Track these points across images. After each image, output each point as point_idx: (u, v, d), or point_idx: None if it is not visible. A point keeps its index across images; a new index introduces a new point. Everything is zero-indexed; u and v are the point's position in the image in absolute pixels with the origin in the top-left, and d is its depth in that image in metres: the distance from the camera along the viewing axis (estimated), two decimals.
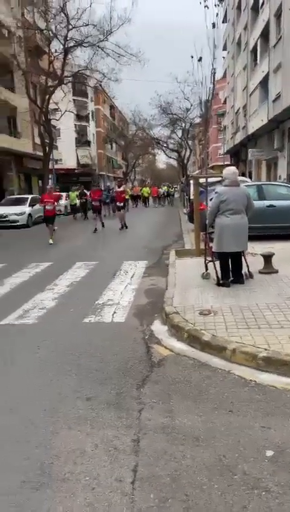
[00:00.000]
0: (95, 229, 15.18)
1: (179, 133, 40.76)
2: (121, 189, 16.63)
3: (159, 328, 4.86)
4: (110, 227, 16.12)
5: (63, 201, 23.94)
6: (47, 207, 12.73)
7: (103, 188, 27.03)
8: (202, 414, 2.93)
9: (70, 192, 24.81)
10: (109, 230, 15.60)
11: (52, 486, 2.30)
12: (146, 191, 36.36)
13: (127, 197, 22.99)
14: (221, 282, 5.99)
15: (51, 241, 12.43)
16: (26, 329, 5.04)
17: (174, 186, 49.09)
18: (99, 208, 16.19)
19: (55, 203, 13.13)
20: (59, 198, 15.80)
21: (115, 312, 5.53)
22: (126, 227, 15.83)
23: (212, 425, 2.80)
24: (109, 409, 3.09)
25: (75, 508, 2.13)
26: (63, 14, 21.91)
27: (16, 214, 17.71)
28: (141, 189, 37.84)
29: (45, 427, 2.88)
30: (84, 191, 22.64)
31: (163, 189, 38.18)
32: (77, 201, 22.79)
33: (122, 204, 16.01)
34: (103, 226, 16.11)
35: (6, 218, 17.65)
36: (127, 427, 2.85)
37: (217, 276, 6.07)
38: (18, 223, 17.70)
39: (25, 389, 3.48)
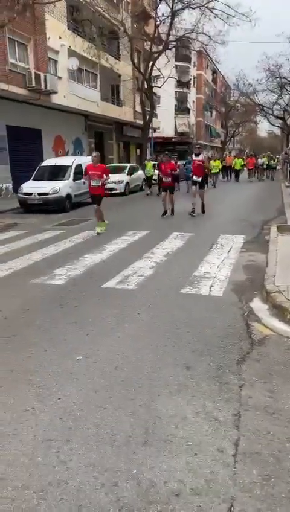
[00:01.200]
0: (164, 212, 11.91)
1: (287, 98, 37.77)
2: (200, 158, 12.15)
3: (259, 305, 4.72)
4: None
5: (122, 177, 19.07)
6: (92, 183, 9.67)
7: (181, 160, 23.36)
8: None
9: (145, 162, 21.08)
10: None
11: (156, 445, 2.43)
12: (239, 162, 28.89)
13: (211, 169, 20.19)
14: None
15: (98, 230, 9.46)
16: (126, 294, 5.28)
17: (277, 156, 41.52)
18: (172, 186, 12.37)
19: (104, 177, 9.74)
20: (107, 171, 10.20)
21: (212, 285, 5.50)
22: (203, 212, 12.18)
23: None
24: (209, 380, 3.13)
25: (179, 469, 2.24)
26: None
27: (114, 183, 18.31)
28: (234, 160, 30.60)
29: (148, 389, 3.03)
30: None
31: (262, 160, 31.21)
32: (154, 173, 18.93)
33: (199, 179, 11.90)
34: (173, 212, 12.22)
35: (106, 186, 18.37)
36: (227, 400, 2.87)
37: None
38: (116, 191, 18.32)
39: (127, 350, 3.67)
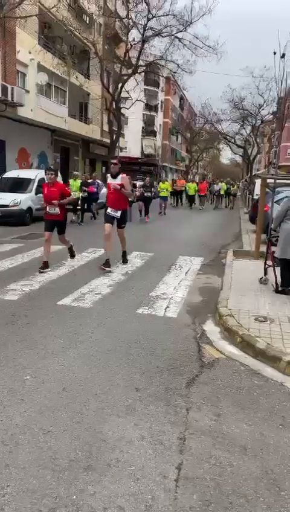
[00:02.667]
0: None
1: (248, 129, 39.60)
2: (118, 181, 7.47)
3: (211, 328, 4.82)
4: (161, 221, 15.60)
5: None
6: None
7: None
8: (251, 423, 2.88)
9: (70, 180, 15.17)
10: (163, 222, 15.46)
11: (99, 470, 2.39)
12: (193, 187, 25.64)
13: (144, 195, 16.00)
14: (280, 289, 5.80)
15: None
16: (81, 312, 5.21)
17: (237, 183, 39.99)
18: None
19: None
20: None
21: (167, 306, 5.56)
22: (125, 262, 8.06)
23: (261, 436, 2.74)
24: (157, 402, 3.13)
25: (120, 494, 2.20)
26: (144, 3, 21.93)
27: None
28: (186, 184, 27.25)
29: (95, 411, 2.98)
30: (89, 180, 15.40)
31: (219, 186, 27.96)
32: (80, 195, 14.21)
33: (118, 213, 7.55)
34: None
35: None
36: (174, 424, 2.87)
37: (276, 283, 5.88)
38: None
39: (77, 371, 3.61)
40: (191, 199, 25.87)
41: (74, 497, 2.17)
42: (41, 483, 2.27)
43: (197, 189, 25.82)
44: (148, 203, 16.14)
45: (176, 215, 19.77)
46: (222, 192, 27.76)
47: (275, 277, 5.94)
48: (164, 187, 20.08)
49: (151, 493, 2.22)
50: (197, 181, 31.84)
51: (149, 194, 16.28)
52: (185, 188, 26.42)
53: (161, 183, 21.25)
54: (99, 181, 17.01)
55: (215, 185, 28.72)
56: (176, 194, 26.28)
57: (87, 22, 23.85)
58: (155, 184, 25.49)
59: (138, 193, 16.63)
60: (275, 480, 2.34)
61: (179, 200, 26.97)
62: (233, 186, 28.08)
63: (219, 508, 2.13)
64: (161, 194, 19.96)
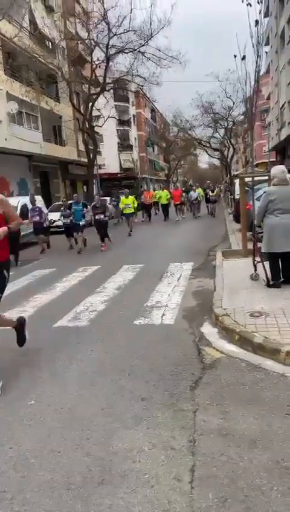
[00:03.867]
0: None
1: (222, 132, 40.29)
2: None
3: (209, 330, 4.86)
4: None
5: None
6: None
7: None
8: (257, 417, 2.92)
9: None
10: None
11: (113, 482, 2.40)
12: (165, 195, 22.33)
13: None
14: (271, 283, 5.88)
15: None
16: (79, 331, 5.22)
17: (219, 186, 37.75)
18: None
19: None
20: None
21: (163, 314, 5.60)
22: None
23: (269, 428, 2.78)
24: (164, 409, 3.15)
25: (137, 503, 2.21)
26: (104, 23, 22.41)
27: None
28: (157, 193, 24.49)
29: (103, 426, 2.99)
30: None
31: (196, 194, 23.37)
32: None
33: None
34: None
35: (54, 224, 18.28)
36: (182, 428, 2.89)
37: (267, 277, 5.96)
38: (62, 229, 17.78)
39: (81, 389, 3.62)
40: (164, 210, 22.14)
41: (92, 511, 2.18)
42: (58, 503, 2.27)
43: (169, 198, 22.40)
44: (103, 228, 12.98)
45: (142, 236, 15.55)
46: (200, 199, 23.47)
47: (265, 272, 6.02)
48: (128, 202, 16.41)
49: (167, 498, 2.24)
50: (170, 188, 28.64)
51: (102, 217, 12.86)
52: (158, 197, 23.18)
53: (123, 197, 17.11)
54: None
55: (192, 192, 23.62)
56: (146, 208, 22.73)
57: (50, 47, 24.25)
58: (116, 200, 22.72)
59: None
60: (286, 468, 2.37)
61: (154, 213, 24.37)
62: (213, 192, 22.78)
63: (234, 502, 2.15)
64: (125, 211, 16.55)
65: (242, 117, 33.85)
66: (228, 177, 36.10)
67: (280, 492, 2.19)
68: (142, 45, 23.41)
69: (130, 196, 16.89)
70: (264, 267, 6.11)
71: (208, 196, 23.04)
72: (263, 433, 2.73)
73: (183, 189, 25.33)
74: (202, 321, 5.18)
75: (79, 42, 24.43)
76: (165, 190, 24.58)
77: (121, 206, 17.16)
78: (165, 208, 22.39)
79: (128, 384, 3.62)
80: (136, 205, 17.30)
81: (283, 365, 3.70)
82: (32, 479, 2.49)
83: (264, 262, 6.15)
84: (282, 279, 5.92)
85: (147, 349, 4.41)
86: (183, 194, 23.88)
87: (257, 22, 7.88)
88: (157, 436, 2.81)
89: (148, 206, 22.95)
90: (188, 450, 2.63)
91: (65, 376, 3.91)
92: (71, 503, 2.26)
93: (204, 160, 70.52)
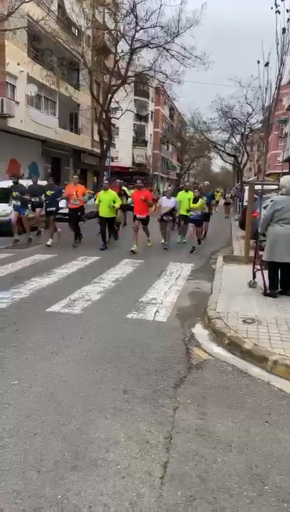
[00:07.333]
0: None
1: (238, 137, 40.02)
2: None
3: (200, 331, 4.85)
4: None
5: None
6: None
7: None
8: (237, 421, 2.91)
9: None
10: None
11: (85, 469, 2.39)
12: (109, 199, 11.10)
13: None
14: (268, 292, 5.86)
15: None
16: (71, 318, 5.22)
17: (230, 190, 36.53)
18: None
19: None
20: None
21: (157, 311, 5.59)
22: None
23: (247, 433, 2.77)
24: (145, 404, 3.15)
25: (105, 492, 2.21)
26: (132, 15, 22.26)
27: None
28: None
29: (82, 414, 2.99)
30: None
31: (170, 202, 11.68)
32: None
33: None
34: None
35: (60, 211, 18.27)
36: (160, 423, 2.89)
37: (265, 286, 5.94)
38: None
39: (65, 375, 3.62)
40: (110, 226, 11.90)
41: (59, 496, 2.18)
42: (27, 484, 2.27)
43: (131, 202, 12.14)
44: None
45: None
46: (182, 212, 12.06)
47: (264, 280, 6.00)
48: (106, 198, 10.65)
49: (136, 490, 2.23)
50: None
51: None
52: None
53: (102, 191, 11.12)
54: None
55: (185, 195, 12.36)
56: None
57: (76, 34, 24.15)
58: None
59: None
60: (259, 475, 2.36)
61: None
62: (215, 199, 17.19)
63: (202, 503, 2.15)
64: (101, 214, 10.86)
65: (260, 125, 33.66)
66: (239, 183, 35.90)
67: (248, 498, 2.18)
68: (168, 42, 23.24)
69: (109, 190, 10.84)
70: (263, 275, 6.09)
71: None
72: (239, 438, 2.72)
73: (196, 190, 15.40)
74: (195, 322, 5.17)
75: (105, 32, 24.30)
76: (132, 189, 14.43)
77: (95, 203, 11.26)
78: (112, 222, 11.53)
79: (113, 375, 3.62)
80: (118, 204, 10.82)
81: (269, 373, 3.69)
82: (3, 458, 2.49)
83: (264, 271, 6.13)
84: (279, 290, 5.90)
85: (136, 343, 4.41)
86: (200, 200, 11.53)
87: (284, 30, 7.82)
88: (134, 429, 2.81)
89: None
90: (163, 446, 2.63)
91: (52, 361, 3.91)
92: (40, 486, 2.26)
93: (217, 164, 70.26)
